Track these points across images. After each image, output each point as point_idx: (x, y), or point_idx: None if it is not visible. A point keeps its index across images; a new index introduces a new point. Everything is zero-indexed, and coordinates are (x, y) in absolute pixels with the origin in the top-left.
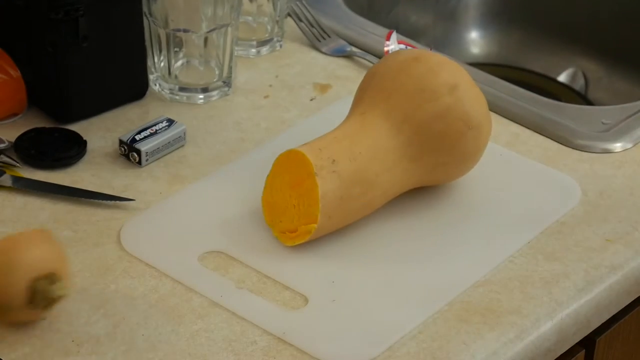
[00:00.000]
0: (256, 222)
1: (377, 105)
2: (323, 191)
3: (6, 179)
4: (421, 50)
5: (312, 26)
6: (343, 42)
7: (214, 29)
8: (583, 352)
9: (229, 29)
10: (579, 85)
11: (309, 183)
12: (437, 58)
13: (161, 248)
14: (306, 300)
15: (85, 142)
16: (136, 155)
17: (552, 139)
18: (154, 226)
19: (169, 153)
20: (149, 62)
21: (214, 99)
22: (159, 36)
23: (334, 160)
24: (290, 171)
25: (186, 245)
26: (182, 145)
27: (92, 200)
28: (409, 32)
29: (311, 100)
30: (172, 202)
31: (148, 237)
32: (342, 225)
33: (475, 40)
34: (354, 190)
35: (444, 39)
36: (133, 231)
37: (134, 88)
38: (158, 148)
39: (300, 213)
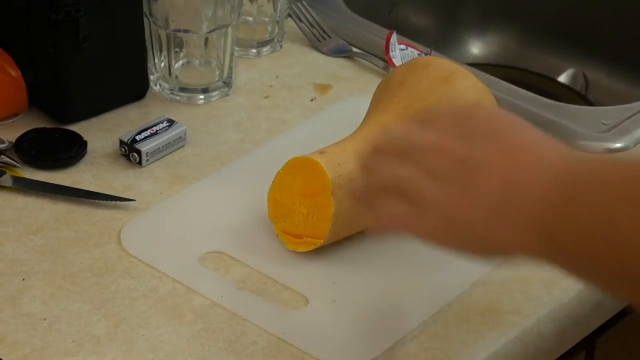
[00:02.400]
0: (257, 223)
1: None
2: (337, 210)
3: (7, 180)
4: (452, 67)
5: (313, 26)
6: (343, 43)
7: (214, 30)
8: (583, 352)
9: (230, 29)
10: (579, 85)
11: (323, 198)
12: (468, 82)
13: (161, 249)
14: (306, 300)
15: (85, 143)
16: (136, 156)
17: None
18: (154, 227)
19: (169, 153)
20: (150, 63)
21: (214, 99)
22: (159, 36)
23: (351, 179)
24: (305, 178)
25: (186, 245)
26: (183, 146)
27: (92, 200)
28: (409, 33)
29: (311, 100)
30: (172, 203)
31: (148, 238)
32: (346, 236)
33: (475, 41)
34: None
35: (444, 40)
36: (133, 232)
37: (135, 88)
38: (158, 148)
39: (308, 223)
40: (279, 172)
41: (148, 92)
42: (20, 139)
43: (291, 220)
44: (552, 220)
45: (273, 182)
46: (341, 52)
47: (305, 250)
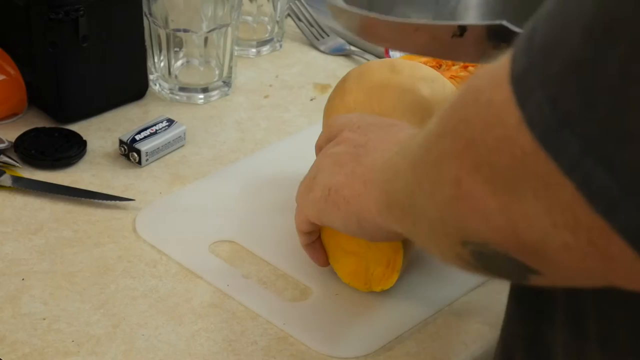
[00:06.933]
0: (257, 218)
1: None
2: None
3: (6, 179)
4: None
5: (312, 25)
6: (342, 41)
7: (214, 29)
8: None
9: (229, 29)
10: None
11: None
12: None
13: (172, 238)
14: (310, 292)
15: (85, 142)
16: (136, 155)
17: None
18: (162, 219)
19: (169, 153)
20: (149, 62)
21: (214, 99)
22: (159, 36)
23: None
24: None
25: (195, 236)
26: (182, 146)
27: (92, 200)
28: None
29: (311, 100)
30: (173, 200)
31: (158, 229)
32: None
33: None
34: None
35: None
36: (147, 221)
37: (134, 88)
38: (158, 148)
39: (378, 244)
40: (330, 262)
41: (148, 92)
42: (19, 138)
43: (374, 263)
44: (384, 185)
45: (337, 271)
46: (340, 51)
47: (400, 263)
